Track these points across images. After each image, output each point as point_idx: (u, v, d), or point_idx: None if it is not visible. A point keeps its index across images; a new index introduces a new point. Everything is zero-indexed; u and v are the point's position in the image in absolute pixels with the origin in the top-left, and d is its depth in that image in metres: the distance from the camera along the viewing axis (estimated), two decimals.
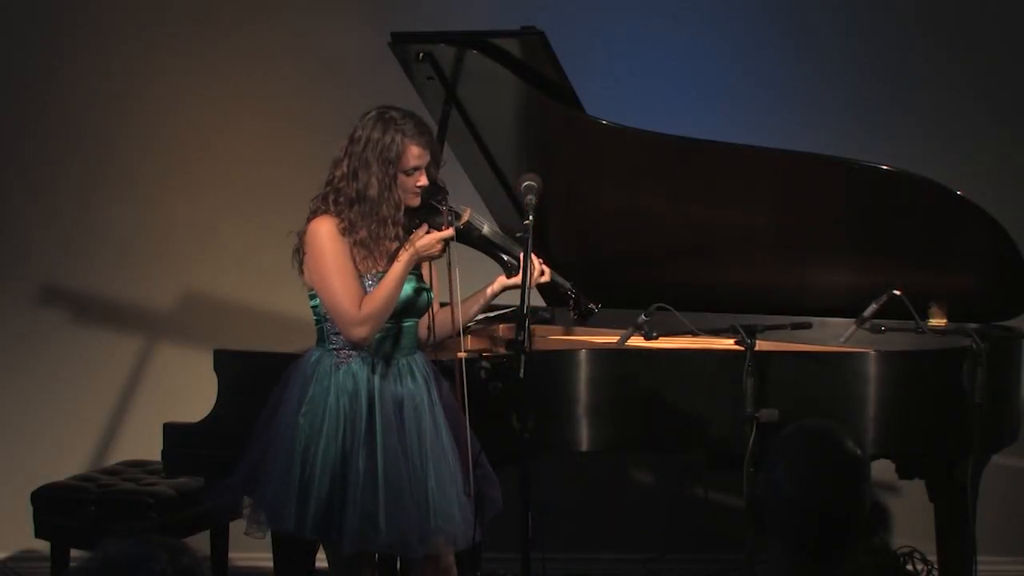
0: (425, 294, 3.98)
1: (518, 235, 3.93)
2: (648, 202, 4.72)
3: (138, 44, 5.64)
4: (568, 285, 4.25)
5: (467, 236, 4.00)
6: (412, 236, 3.89)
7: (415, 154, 3.90)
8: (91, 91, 5.66)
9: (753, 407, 4.10)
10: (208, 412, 4.23)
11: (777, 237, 4.69)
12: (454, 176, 4.64)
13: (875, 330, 4.29)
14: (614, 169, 4.69)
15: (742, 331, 4.13)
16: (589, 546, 5.58)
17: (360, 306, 3.86)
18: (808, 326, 4.39)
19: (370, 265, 3.91)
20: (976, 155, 5.47)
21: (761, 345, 4.18)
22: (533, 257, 3.95)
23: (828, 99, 5.53)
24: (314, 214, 3.96)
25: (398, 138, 3.89)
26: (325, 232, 3.91)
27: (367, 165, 3.90)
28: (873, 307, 4.31)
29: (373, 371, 3.90)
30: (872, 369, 4.28)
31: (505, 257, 4.08)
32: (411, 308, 3.96)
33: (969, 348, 4.26)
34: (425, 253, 3.88)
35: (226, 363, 4.26)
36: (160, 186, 5.67)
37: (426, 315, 4.01)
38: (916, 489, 4.61)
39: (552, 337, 4.84)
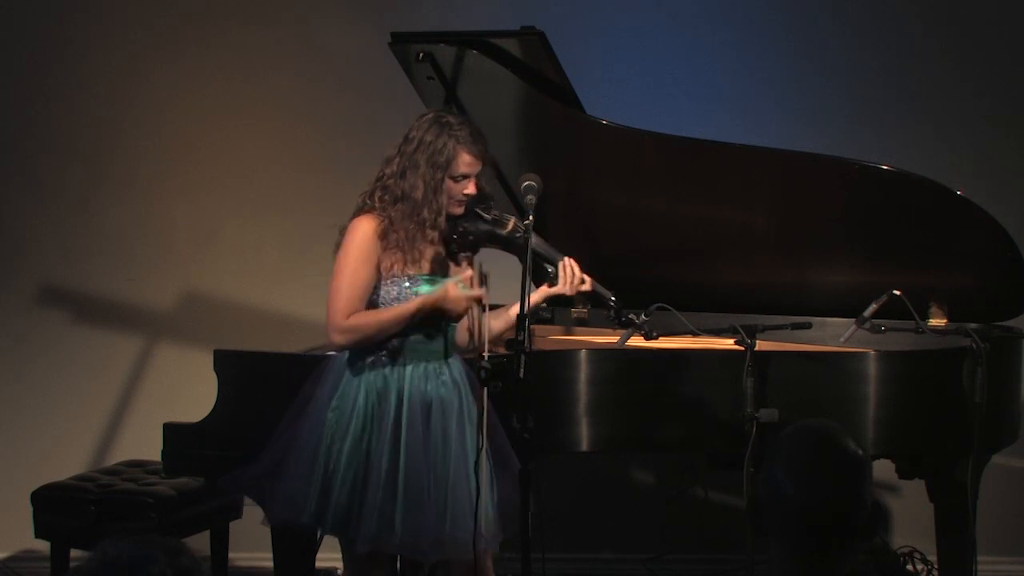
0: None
1: (518, 235, 3.92)
2: (648, 202, 4.72)
3: (138, 44, 5.64)
4: (609, 296, 4.17)
5: (510, 243, 3.97)
6: (447, 285, 3.85)
7: (466, 161, 3.90)
8: (91, 91, 5.66)
9: (753, 407, 4.10)
10: (208, 412, 4.23)
11: (777, 237, 4.69)
12: None
13: (875, 330, 4.29)
14: (614, 169, 4.69)
15: (742, 331, 4.14)
16: (589, 546, 5.58)
17: (349, 315, 3.86)
18: (808, 326, 4.39)
19: (401, 267, 3.90)
20: (976, 155, 5.47)
21: (761, 345, 4.18)
22: (575, 265, 3.98)
23: (828, 99, 5.53)
24: (359, 210, 3.97)
25: (451, 143, 3.89)
26: (359, 233, 3.92)
27: (416, 166, 3.90)
28: (873, 307, 4.31)
29: (404, 372, 3.89)
30: (872, 369, 4.29)
31: (548, 266, 4.04)
32: (448, 312, 3.93)
33: (969, 348, 4.26)
34: (449, 306, 3.86)
35: (226, 363, 4.26)
36: (160, 186, 5.67)
37: (466, 319, 3.98)
38: (916, 489, 4.61)
39: (552, 337, 4.84)
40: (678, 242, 4.76)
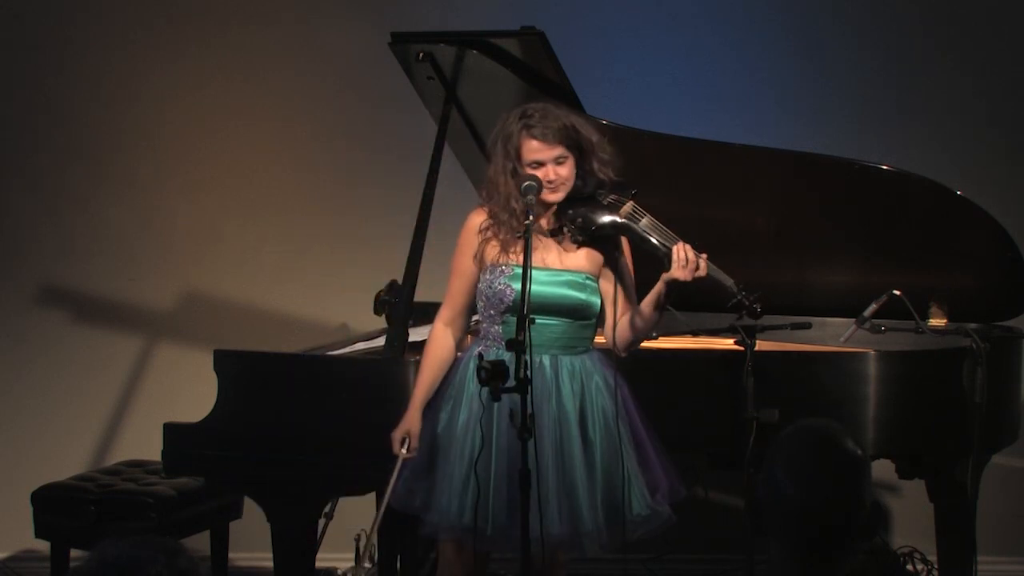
0: (575, 294, 3.88)
1: (518, 235, 3.90)
2: (648, 202, 4.70)
3: (138, 44, 5.64)
4: (731, 283, 3.85)
5: (626, 228, 3.88)
6: (408, 431, 3.89)
7: (532, 147, 3.84)
8: (91, 91, 5.66)
9: (753, 407, 4.09)
10: (208, 412, 4.23)
11: (777, 237, 4.69)
12: (454, 176, 4.65)
13: (875, 330, 4.29)
14: (614, 169, 4.67)
15: (742, 331, 4.13)
16: None
17: (446, 317, 3.96)
18: (808, 326, 4.39)
19: (497, 256, 3.89)
20: (976, 155, 5.47)
21: (761, 345, 4.18)
22: (689, 249, 3.78)
23: (829, 99, 5.53)
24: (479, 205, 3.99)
25: (516, 131, 3.85)
26: (465, 228, 3.95)
27: (495, 159, 3.90)
28: (873, 307, 4.31)
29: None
30: (872, 369, 4.28)
31: (661, 251, 3.84)
32: (549, 307, 3.84)
33: (969, 348, 4.26)
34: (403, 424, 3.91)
35: (226, 363, 4.25)
36: (160, 186, 5.68)
37: (609, 318, 3.91)
38: (916, 489, 4.61)
39: None
40: None
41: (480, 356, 3.60)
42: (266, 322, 5.60)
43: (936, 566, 4.81)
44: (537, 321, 3.78)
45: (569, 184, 3.88)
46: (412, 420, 3.91)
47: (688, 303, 4.38)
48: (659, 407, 4.25)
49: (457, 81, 4.47)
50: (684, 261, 3.77)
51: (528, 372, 3.50)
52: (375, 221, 5.56)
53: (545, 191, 3.85)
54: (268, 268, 5.65)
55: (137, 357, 5.69)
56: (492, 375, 3.51)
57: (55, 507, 4.88)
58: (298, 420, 4.17)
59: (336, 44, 5.59)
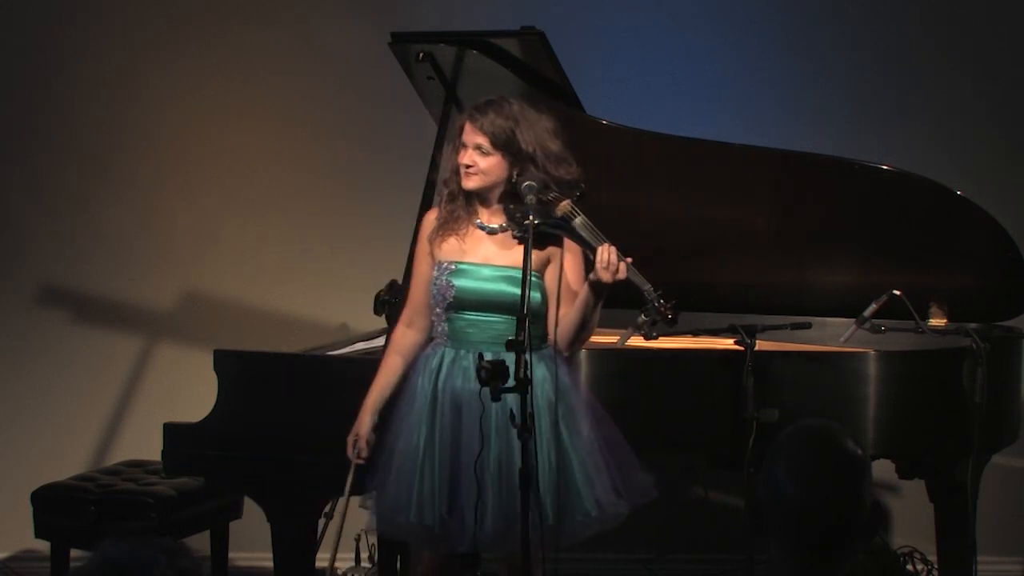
0: (515, 290, 3.75)
1: (516, 235, 3.89)
2: (648, 202, 4.72)
3: (138, 44, 5.64)
4: (648, 289, 3.76)
5: (558, 226, 3.85)
6: (359, 433, 3.93)
7: (464, 127, 3.85)
8: (91, 91, 5.66)
9: (753, 407, 4.10)
10: (208, 412, 4.23)
11: (777, 237, 4.69)
12: None
13: (875, 330, 4.30)
14: (614, 169, 4.68)
15: (742, 331, 4.13)
16: (589, 546, 5.56)
17: (406, 320, 3.97)
18: (808, 326, 4.39)
19: (449, 254, 3.88)
20: (976, 155, 5.47)
21: (761, 345, 4.18)
22: (614, 254, 3.70)
23: (828, 99, 5.53)
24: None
25: (462, 116, 3.88)
26: (420, 229, 3.97)
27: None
28: (873, 307, 4.31)
29: (443, 362, 3.85)
30: (872, 369, 4.29)
31: (590, 251, 3.78)
32: (490, 303, 3.82)
33: (969, 348, 4.26)
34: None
35: (226, 363, 4.26)
36: (160, 186, 5.67)
37: (551, 315, 3.83)
38: (916, 489, 4.61)
39: None
40: (678, 242, 4.76)
41: (480, 356, 3.59)
42: (266, 322, 5.60)
43: (936, 566, 4.81)
44: (479, 317, 3.82)
45: (486, 178, 3.85)
46: (360, 424, 3.93)
47: (687, 304, 4.39)
48: (659, 407, 4.26)
49: (457, 81, 4.47)
50: (606, 263, 3.71)
51: (528, 372, 3.50)
52: (375, 221, 5.56)
53: (464, 178, 3.86)
54: (268, 268, 5.65)
55: (137, 357, 5.69)
56: (492, 375, 3.51)
57: (55, 507, 4.88)
58: (298, 420, 4.17)
59: (336, 44, 5.59)
